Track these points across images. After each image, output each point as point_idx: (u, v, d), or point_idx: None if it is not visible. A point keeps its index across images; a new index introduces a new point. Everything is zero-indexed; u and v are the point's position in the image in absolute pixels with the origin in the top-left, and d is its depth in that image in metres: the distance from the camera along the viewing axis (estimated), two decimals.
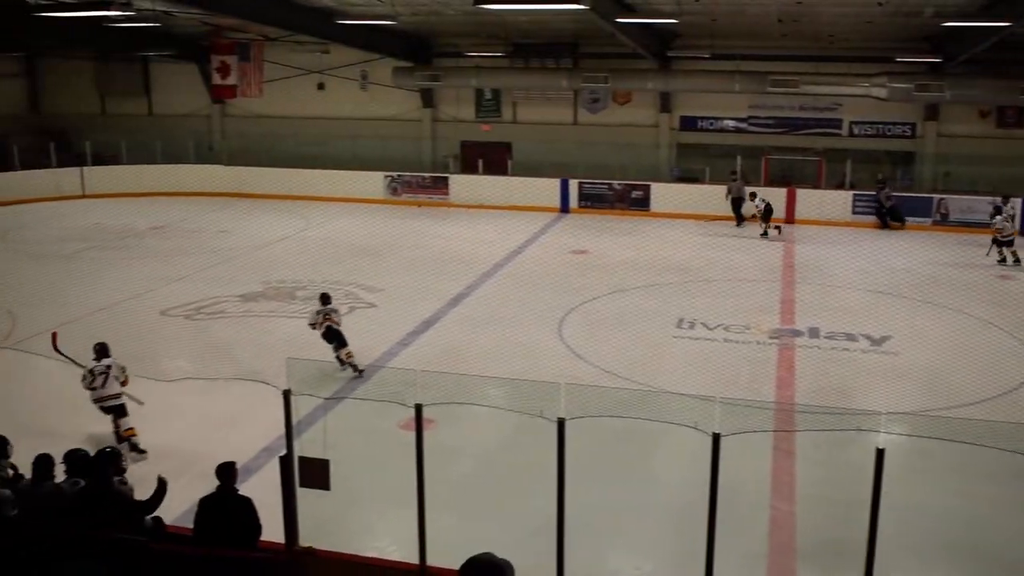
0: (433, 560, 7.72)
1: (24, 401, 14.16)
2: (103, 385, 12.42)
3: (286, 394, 7.62)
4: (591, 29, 26.12)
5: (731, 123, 30.94)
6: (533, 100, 32.07)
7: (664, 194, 29.23)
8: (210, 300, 19.59)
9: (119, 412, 12.40)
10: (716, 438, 6.74)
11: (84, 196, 32.04)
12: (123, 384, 12.52)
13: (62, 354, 13.44)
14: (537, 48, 30.44)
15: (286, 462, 7.79)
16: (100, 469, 8.20)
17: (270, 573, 7.82)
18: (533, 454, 11.03)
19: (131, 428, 12.35)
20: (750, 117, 30.67)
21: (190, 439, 12.08)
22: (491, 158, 31.21)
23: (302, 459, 7.81)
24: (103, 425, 12.45)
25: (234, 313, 18.90)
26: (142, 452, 12.13)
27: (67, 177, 32.20)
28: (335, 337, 15.04)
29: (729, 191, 27.92)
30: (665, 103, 30.80)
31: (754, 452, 11.46)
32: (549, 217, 29.03)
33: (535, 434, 7.49)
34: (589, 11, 20.33)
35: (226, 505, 7.85)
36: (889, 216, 27.65)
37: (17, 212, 29.67)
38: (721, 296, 19.61)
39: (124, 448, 11.50)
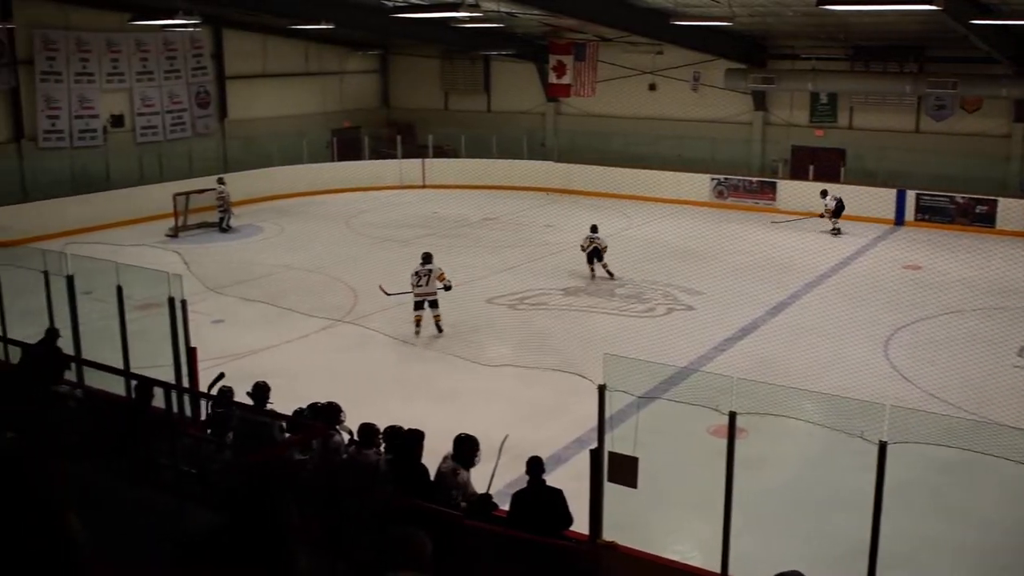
0: (734, 571, 7.61)
1: (357, 373, 15.32)
2: (427, 284, 17.38)
3: (601, 389, 7.75)
4: (940, 31, 24.59)
5: None
6: (872, 105, 30.61)
7: (1013, 210, 27.02)
8: (534, 292, 20.27)
9: (434, 304, 17.42)
10: None
11: (424, 186, 34.05)
12: (440, 279, 17.38)
13: (394, 294, 18.22)
14: (879, 51, 29.04)
15: (596, 456, 7.93)
16: (412, 446, 8.67)
17: (572, 562, 8.00)
18: (846, 475, 10.63)
19: (439, 314, 17.42)
20: None
21: (506, 424, 12.56)
22: (823, 164, 30.15)
23: (612, 455, 7.92)
24: (422, 404, 13.23)
25: (555, 306, 19.44)
26: (442, 331, 17.39)
27: (409, 168, 34.37)
28: (599, 255, 21.34)
29: None
30: (1020, 112, 28.49)
31: None
32: (882, 228, 27.67)
33: (851, 454, 7.22)
34: (940, 12, 19.15)
35: (538, 497, 8.09)
36: None
37: (364, 198, 32.03)
38: None
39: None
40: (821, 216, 26.98)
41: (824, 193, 27.13)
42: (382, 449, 8.97)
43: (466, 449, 8.60)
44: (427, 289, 17.34)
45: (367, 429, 8.96)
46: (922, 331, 17.68)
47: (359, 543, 7.82)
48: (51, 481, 3.37)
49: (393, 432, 9.02)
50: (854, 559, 7.17)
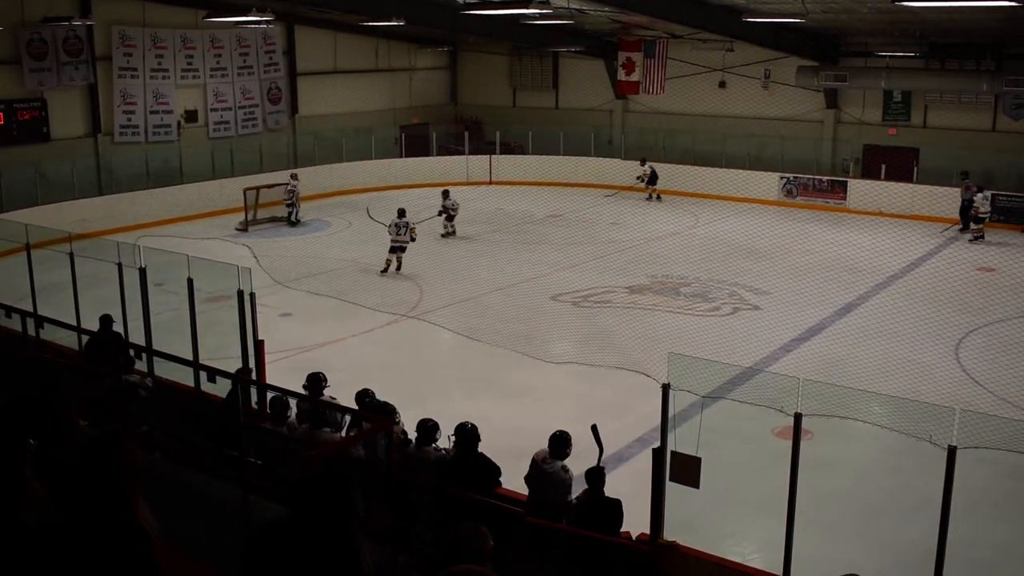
0: (797, 574, 7.54)
1: (421, 368, 15.42)
2: (402, 235, 21.05)
3: (665, 388, 7.72)
4: (1020, 28, 24.04)
5: None
6: (947, 104, 29.99)
7: None
8: (599, 289, 20.22)
9: (402, 250, 21.17)
10: None
11: (490, 183, 34.12)
12: (411, 232, 21.14)
13: (374, 220, 22.31)
14: (955, 48, 28.42)
15: (659, 456, 7.90)
16: (470, 442, 8.70)
17: (632, 561, 7.99)
18: (913, 479, 10.47)
19: (402, 258, 21.18)
20: None
21: (569, 422, 12.55)
22: (895, 163, 29.61)
23: (675, 454, 7.88)
24: (486, 400, 13.27)
25: (620, 304, 19.38)
26: (400, 271, 21.13)
27: (477, 164, 34.48)
28: (450, 216, 25.53)
29: None
30: None
31: None
32: (954, 229, 27.15)
33: (918, 459, 7.12)
34: (1021, 8, 18.70)
35: (598, 508, 8.09)
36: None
37: (431, 194, 32.12)
38: None
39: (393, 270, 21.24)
40: (639, 179, 30.87)
41: (643, 160, 31.18)
42: (439, 445, 9.02)
43: (563, 444, 8.68)
44: (399, 239, 21.12)
45: (424, 425, 8.98)
46: (995, 334, 17.32)
47: (421, 536, 7.90)
48: (126, 469, 3.44)
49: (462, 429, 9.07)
50: (920, 565, 7.07)
